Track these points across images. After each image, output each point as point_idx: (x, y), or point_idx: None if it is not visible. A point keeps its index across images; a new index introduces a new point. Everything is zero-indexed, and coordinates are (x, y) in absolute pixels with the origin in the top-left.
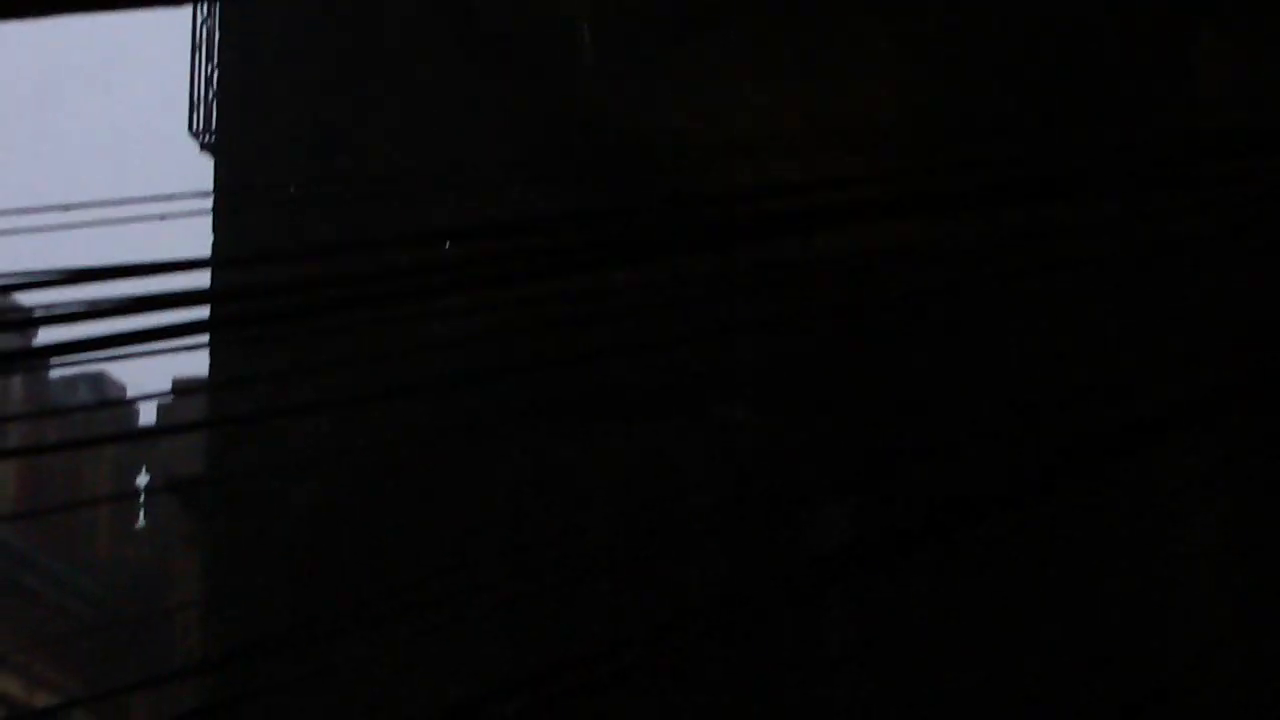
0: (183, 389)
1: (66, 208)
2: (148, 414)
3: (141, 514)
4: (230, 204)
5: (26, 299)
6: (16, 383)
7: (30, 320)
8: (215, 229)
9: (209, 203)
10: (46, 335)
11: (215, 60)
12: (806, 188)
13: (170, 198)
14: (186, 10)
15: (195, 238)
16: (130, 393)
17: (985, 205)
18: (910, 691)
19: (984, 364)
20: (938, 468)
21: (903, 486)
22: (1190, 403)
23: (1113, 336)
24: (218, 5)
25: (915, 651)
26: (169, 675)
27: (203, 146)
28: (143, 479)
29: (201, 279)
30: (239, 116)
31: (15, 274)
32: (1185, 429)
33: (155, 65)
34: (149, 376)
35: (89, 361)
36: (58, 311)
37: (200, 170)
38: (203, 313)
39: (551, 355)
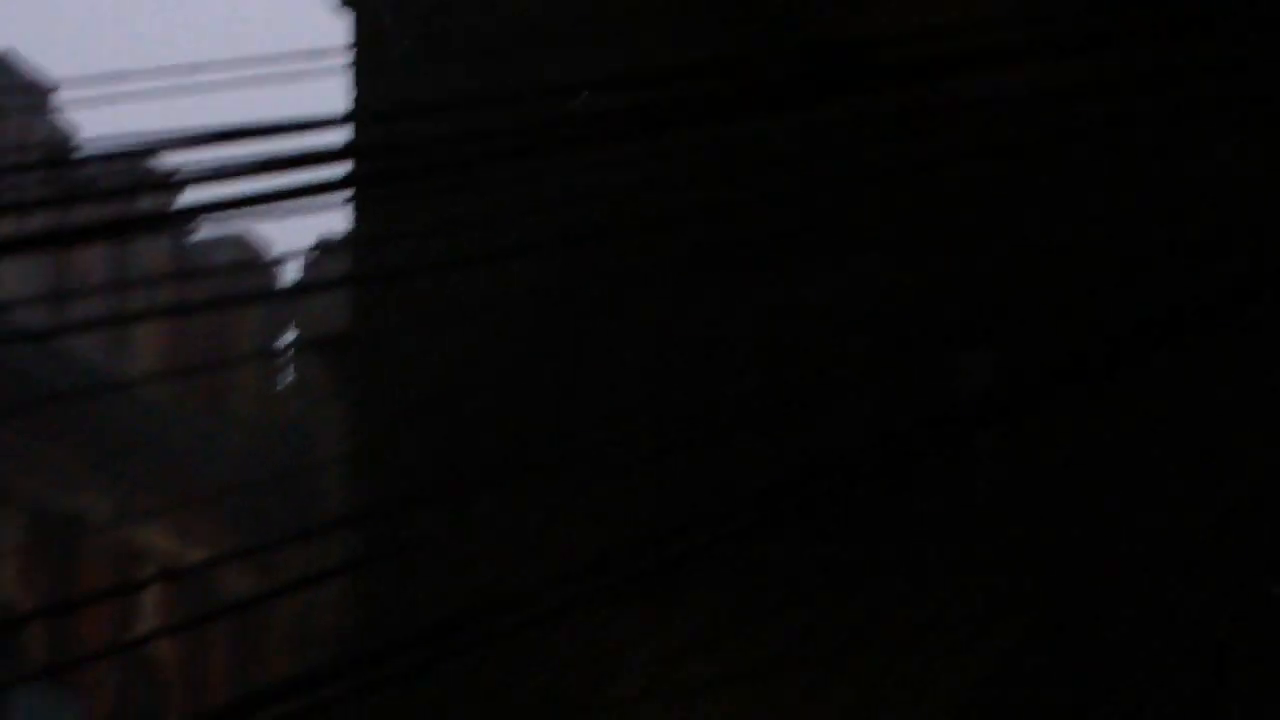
0: (325, 247)
1: (206, 67)
2: (291, 273)
3: (286, 373)
4: (369, 60)
5: (169, 160)
6: (161, 244)
7: (173, 181)
8: (354, 85)
9: (348, 60)
10: (189, 196)
11: None
12: (944, 31)
13: (309, 54)
14: None
15: (335, 96)
16: (273, 253)
17: (1124, 46)
18: (1057, 536)
19: (1124, 209)
20: (1080, 312)
21: (1044, 331)
22: None
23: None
24: None
25: (1062, 496)
26: (315, 530)
27: (342, 2)
28: (286, 338)
29: (342, 136)
30: None
31: (158, 135)
32: None
33: None
34: (291, 236)
35: (231, 222)
36: (200, 172)
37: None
38: (344, 170)
39: (691, 207)
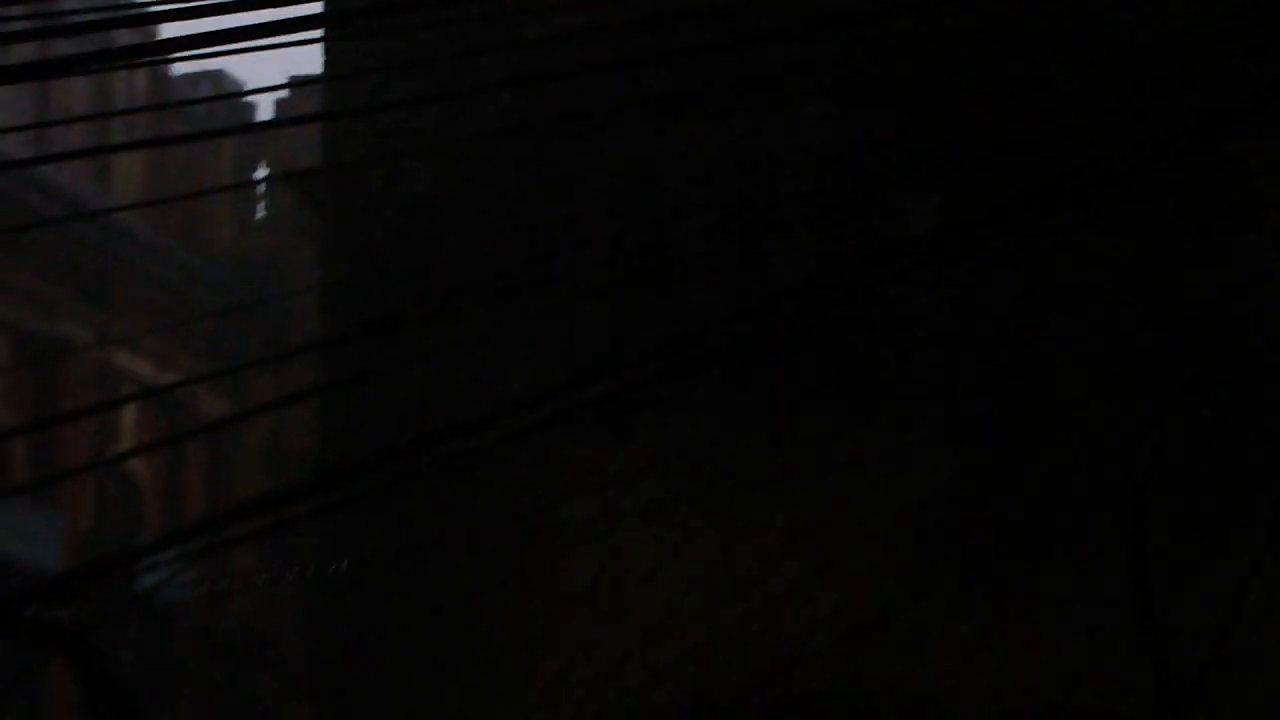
0: (298, 83)
1: None
2: (266, 110)
3: (261, 206)
4: None
5: None
6: (140, 77)
7: (151, 15)
8: None
9: None
10: (167, 30)
11: None
12: None
13: None
14: None
15: None
16: (248, 88)
17: None
18: (993, 367)
19: (1066, 50)
20: (1019, 155)
21: (983, 174)
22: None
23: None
24: None
25: (998, 330)
26: (286, 356)
27: None
28: (261, 172)
29: None
30: None
31: None
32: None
33: None
34: (266, 73)
35: (208, 57)
36: (177, 8)
37: None
38: (317, 6)
39: (647, 51)
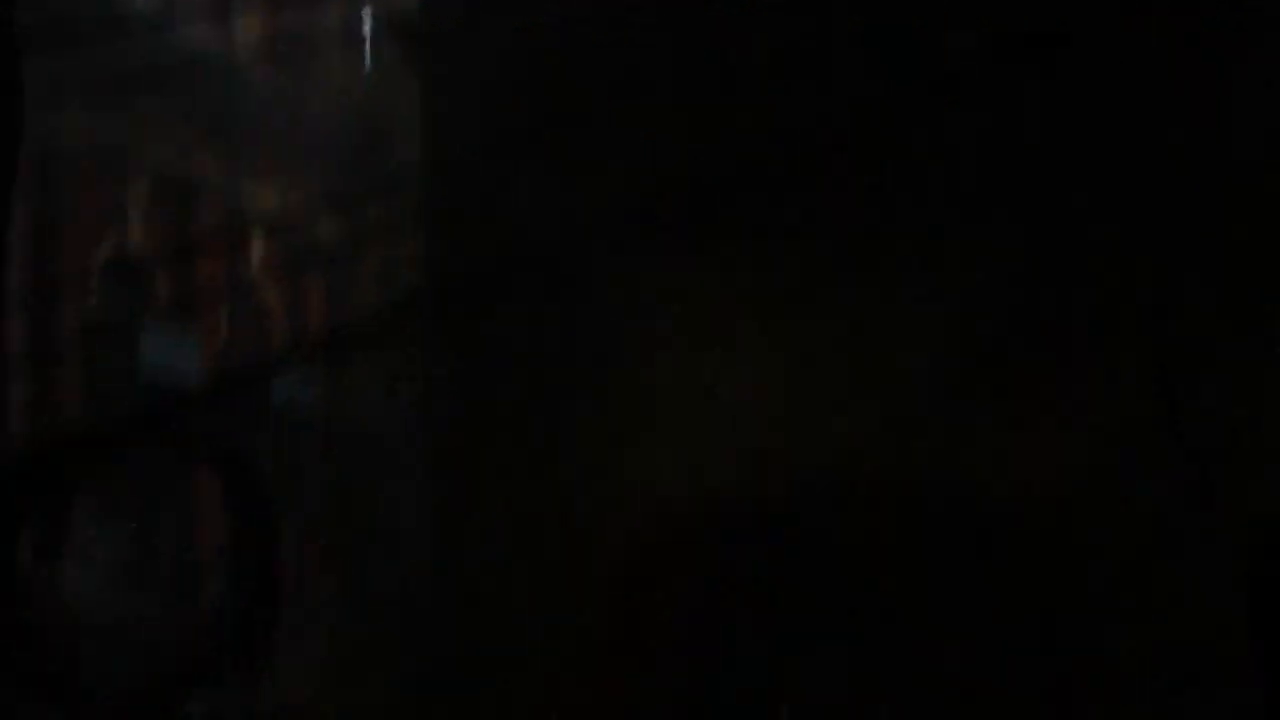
0: None
1: None
2: None
3: (368, 59)
4: None
5: None
6: None
7: None
8: None
9: None
10: None
11: None
12: None
13: None
14: None
15: None
16: None
17: None
18: (1031, 195)
19: None
20: None
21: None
22: None
23: None
24: None
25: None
26: (393, 186)
27: None
28: (368, 26)
29: None
30: None
31: None
32: None
33: None
34: None
35: None
36: None
37: None
38: None
39: None
